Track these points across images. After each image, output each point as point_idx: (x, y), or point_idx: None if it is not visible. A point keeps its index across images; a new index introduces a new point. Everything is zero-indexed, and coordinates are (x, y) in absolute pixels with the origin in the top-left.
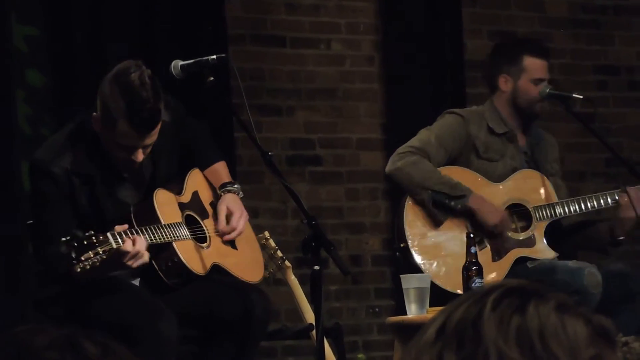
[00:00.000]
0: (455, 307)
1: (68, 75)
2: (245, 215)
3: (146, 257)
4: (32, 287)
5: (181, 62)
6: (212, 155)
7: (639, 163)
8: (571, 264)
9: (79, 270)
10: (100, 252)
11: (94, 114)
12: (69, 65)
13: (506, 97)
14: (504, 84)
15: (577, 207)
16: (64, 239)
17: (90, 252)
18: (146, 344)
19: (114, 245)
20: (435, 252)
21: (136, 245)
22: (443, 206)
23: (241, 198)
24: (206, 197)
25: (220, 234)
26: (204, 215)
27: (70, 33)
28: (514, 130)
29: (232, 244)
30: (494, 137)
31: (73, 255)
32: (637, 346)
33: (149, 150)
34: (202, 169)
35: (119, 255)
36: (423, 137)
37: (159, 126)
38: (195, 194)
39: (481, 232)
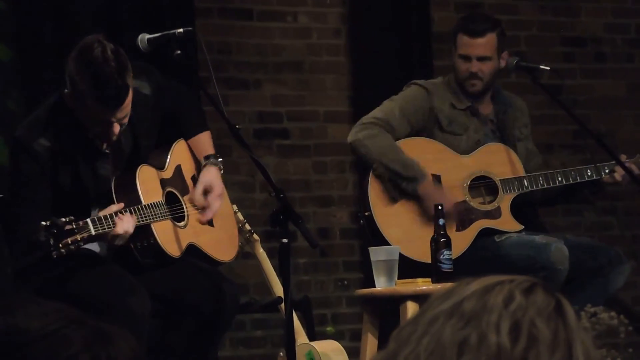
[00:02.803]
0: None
1: (35, 49)
2: (223, 195)
3: (130, 233)
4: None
5: (148, 36)
6: (196, 125)
7: (607, 135)
8: (538, 239)
9: (55, 256)
10: (79, 239)
11: (65, 91)
12: (36, 39)
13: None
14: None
15: (543, 182)
16: (44, 223)
17: (69, 239)
18: (118, 321)
19: (93, 232)
20: (399, 220)
21: (125, 226)
22: (397, 184)
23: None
24: (188, 170)
25: (196, 207)
26: (185, 191)
27: (37, 7)
28: (475, 104)
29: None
30: (457, 110)
31: (52, 242)
32: (606, 317)
33: (125, 120)
34: (186, 139)
35: (109, 236)
36: (387, 108)
37: (128, 99)
38: (178, 168)
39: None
